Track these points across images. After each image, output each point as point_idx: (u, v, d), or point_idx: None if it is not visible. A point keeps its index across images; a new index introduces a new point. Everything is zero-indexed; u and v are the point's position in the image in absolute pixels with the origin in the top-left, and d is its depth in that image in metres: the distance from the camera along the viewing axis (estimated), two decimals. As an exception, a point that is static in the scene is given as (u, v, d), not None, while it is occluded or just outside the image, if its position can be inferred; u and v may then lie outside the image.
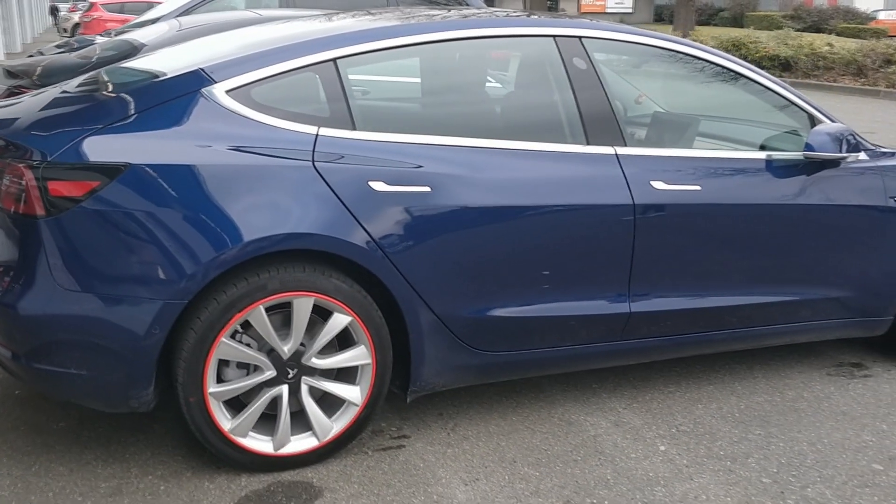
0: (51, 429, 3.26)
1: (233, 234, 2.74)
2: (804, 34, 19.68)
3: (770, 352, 4.14)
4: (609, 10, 41.33)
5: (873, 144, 3.88)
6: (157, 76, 3.05)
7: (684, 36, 20.01)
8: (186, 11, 9.29)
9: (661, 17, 41.26)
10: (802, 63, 16.75)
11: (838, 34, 28.00)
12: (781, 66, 17.06)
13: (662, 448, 3.25)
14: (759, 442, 3.31)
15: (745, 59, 17.16)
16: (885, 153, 3.80)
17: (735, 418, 3.49)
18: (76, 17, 27.86)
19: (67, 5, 35.27)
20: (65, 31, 28.99)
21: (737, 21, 36.99)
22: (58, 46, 10.23)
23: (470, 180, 3.05)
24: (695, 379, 3.85)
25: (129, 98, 2.93)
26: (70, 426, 3.28)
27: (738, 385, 3.80)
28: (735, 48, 17.46)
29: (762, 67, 17.01)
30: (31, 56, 11.96)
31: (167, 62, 3.26)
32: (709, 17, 39.37)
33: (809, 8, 35.36)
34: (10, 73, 6.12)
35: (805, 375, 3.92)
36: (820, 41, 17.73)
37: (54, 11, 34.44)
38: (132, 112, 2.83)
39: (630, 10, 41.83)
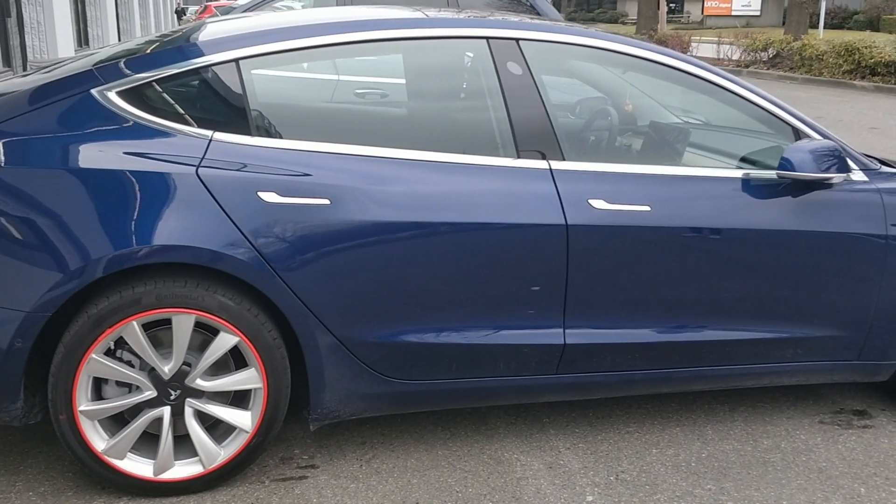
0: (-39, 435, 3.21)
1: (98, 245, 2.58)
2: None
3: (763, 393, 3.69)
4: (735, 13, 39.70)
5: (880, 161, 3.39)
6: (58, 77, 2.93)
7: (795, 40, 18.89)
8: (251, 7, 9.37)
9: (790, 19, 39.32)
10: (922, 70, 15.51)
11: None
12: (898, 72, 15.86)
13: (589, 499, 2.89)
14: (706, 499, 2.91)
15: (857, 64, 16.10)
16: (887, 173, 3.30)
17: (689, 468, 3.10)
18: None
19: (196, 8, 36.66)
20: (187, 32, 30.10)
21: (872, 25, 34.93)
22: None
23: (376, 193, 2.80)
24: (662, 419, 3.46)
25: (20, 97, 2.81)
26: (-18, 433, 3.21)
27: (709, 429, 3.39)
28: (847, 53, 16.34)
29: (875, 74, 15.93)
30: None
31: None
32: (842, 21, 37.30)
33: (954, 11, 33.00)
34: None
35: (793, 422, 3.46)
36: (944, 46, 16.39)
37: (180, 14, 35.85)
38: (16, 113, 2.71)
39: (757, 13, 40.02)
